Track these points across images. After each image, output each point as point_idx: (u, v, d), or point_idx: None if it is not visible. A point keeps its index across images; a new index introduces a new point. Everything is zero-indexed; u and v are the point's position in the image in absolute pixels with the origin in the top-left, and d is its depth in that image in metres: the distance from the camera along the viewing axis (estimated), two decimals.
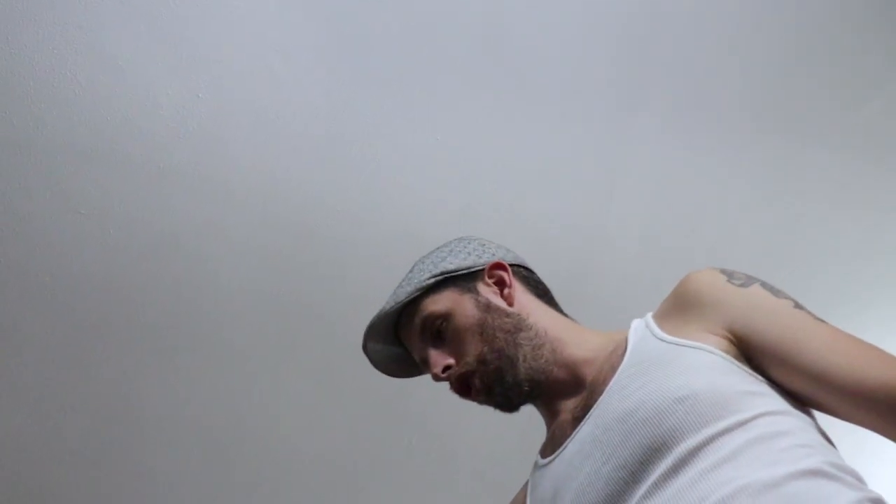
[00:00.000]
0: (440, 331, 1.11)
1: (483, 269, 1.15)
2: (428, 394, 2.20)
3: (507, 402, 1.09)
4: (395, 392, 2.20)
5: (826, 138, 2.33)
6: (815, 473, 0.81)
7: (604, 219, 2.25)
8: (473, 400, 1.11)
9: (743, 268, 2.42)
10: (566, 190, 2.19)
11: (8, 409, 1.95)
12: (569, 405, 1.06)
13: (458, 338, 1.10)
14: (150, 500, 2.11)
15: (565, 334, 1.10)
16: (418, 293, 1.13)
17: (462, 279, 1.14)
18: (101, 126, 1.82)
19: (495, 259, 1.17)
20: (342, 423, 2.20)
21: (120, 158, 1.85)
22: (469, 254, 1.18)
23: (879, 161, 2.40)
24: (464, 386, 1.10)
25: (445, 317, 1.11)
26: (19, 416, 1.96)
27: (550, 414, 1.11)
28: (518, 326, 1.09)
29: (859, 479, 0.84)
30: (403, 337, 1.18)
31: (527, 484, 1.13)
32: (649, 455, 0.87)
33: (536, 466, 1.11)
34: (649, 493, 0.85)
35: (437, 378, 1.10)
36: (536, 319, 1.11)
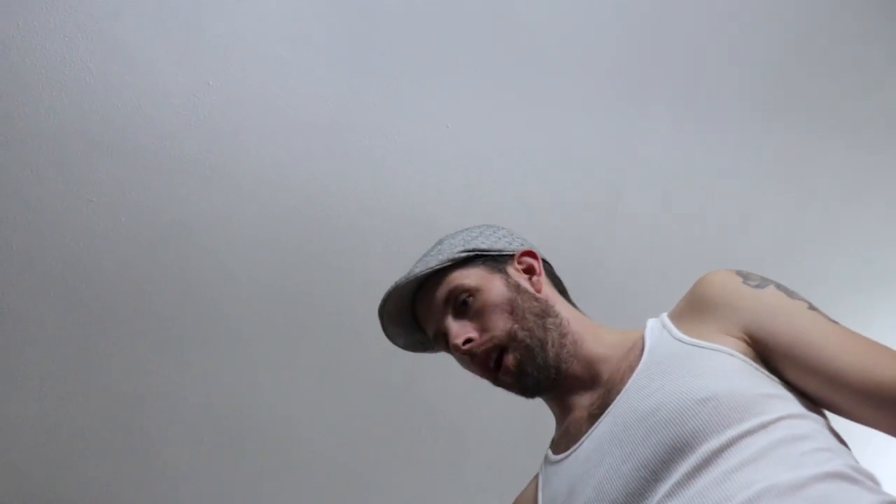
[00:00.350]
0: (465, 304, 1.10)
1: (513, 255, 1.17)
2: (436, 384, 2.22)
3: (535, 385, 1.08)
4: (403, 382, 2.21)
5: (836, 128, 2.32)
6: (837, 476, 0.83)
7: (612, 210, 2.25)
8: (496, 376, 1.09)
9: (752, 258, 2.43)
10: (574, 180, 2.19)
11: (16, 396, 1.96)
12: (583, 402, 1.07)
13: (485, 312, 1.09)
14: (156, 490, 2.12)
15: (584, 330, 1.11)
16: (450, 263, 1.13)
17: (492, 260, 1.15)
18: (111, 115, 1.83)
19: (525, 248, 1.18)
20: (350, 413, 2.21)
21: (130, 147, 1.86)
22: (499, 238, 1.19)
23: (889, 150, 2.39)
24: (487, 359, 1.08)
25: (473, 291, 1.10)
26: (26, 404, 1.97)
27: (563, 409, 1.11)
28: (546, 312, 1.10)
29: (876, 482, 0.86)
30: (420, 310, 1.17)
31: (536, 479, 1.13)
32: (672, 454, 0.87)
33: (548, 462, 1.10)
34: (672, 493, 0.85)
35: (456, 349, 1.08)
36: (560, 310, 1.12)
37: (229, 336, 2.07)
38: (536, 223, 2.13)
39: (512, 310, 1.09)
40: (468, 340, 1.08)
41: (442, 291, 1.12)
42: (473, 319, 1.09)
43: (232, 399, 2.11)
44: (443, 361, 2.16)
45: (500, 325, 1.08)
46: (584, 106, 2.14)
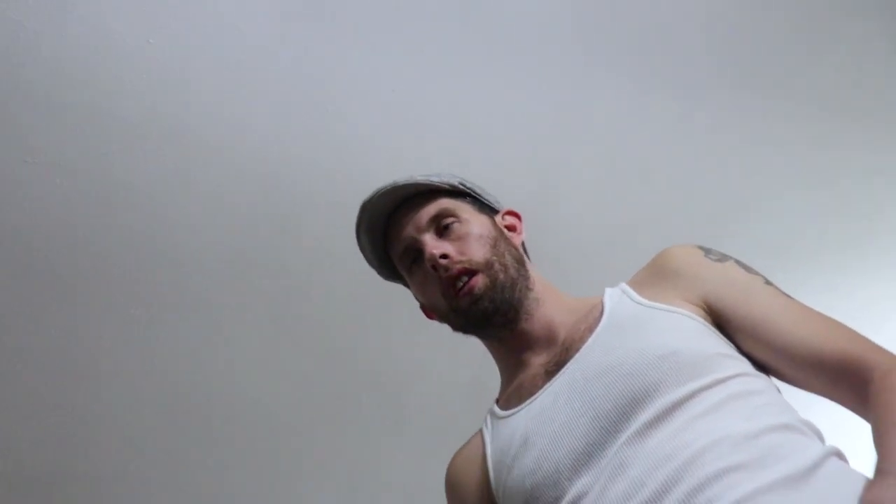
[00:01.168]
0: (447, 228, 1.14)
1: (498, 211, 1.23)
2: (379, 347, 2.23)
3: (490, 314, 1.10)
4: (346, 345, 2.22)
5: (782, 94, 2.36)
6: (787, 428, 0.89)
7: (560, 170, 2.27)
8: (454, 300, 1.10)
9: (696, 219, 2.44)
10: (522, 141, 2.20)
11: None
12: (538, 360, 1.10)
13: (468, 239, 1.12)
14: (100, 447, 2.10)
15: (546, 292, 1.15)
16: (447, 187, 1.18)
17: (480, 204, 1.21)
18: (48, 70, 1.76)
19: (508, 209, 1.25)
20: (293, 374, 2.21)
21: (69, 104, 1.80)
22: (488, 193, 1.25)
23: (835, 115, 2.43)
24: (457, 279, 1.10)
25: (461, 219, 1.15)
26: None
27: (516, 365, 1.14)
28: (522, 263, 1.16)
29: (820, 436, 0.93)
30: (394, 227, 1.18)
31: (480, 434, 1.15)
32: (631, 405, 0.92)
33: (495, 417, 1.13)
34: (630, 441, 0.89)
35: (432, 260, 1.09)
36: (530, 269, 1.17)
37: (176, 297, 2.05)
38: (483, 184, 2.13)
39: (494, 244, 1.13)
40: (445, 256, 1.10)
41: (431, 209, 1.15)
42: (454, 243, 1.12)
43: (179, 360, 2.10)
44: (386, 324, 2.17)
45: (480, 253, 1.11)
46: (536, 69, 2.14)
